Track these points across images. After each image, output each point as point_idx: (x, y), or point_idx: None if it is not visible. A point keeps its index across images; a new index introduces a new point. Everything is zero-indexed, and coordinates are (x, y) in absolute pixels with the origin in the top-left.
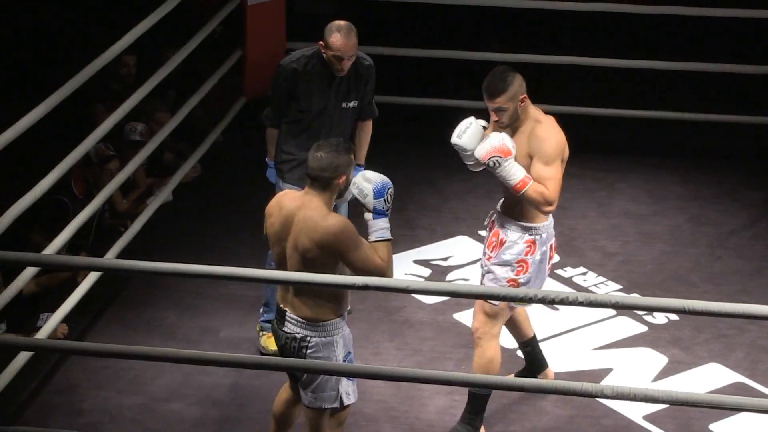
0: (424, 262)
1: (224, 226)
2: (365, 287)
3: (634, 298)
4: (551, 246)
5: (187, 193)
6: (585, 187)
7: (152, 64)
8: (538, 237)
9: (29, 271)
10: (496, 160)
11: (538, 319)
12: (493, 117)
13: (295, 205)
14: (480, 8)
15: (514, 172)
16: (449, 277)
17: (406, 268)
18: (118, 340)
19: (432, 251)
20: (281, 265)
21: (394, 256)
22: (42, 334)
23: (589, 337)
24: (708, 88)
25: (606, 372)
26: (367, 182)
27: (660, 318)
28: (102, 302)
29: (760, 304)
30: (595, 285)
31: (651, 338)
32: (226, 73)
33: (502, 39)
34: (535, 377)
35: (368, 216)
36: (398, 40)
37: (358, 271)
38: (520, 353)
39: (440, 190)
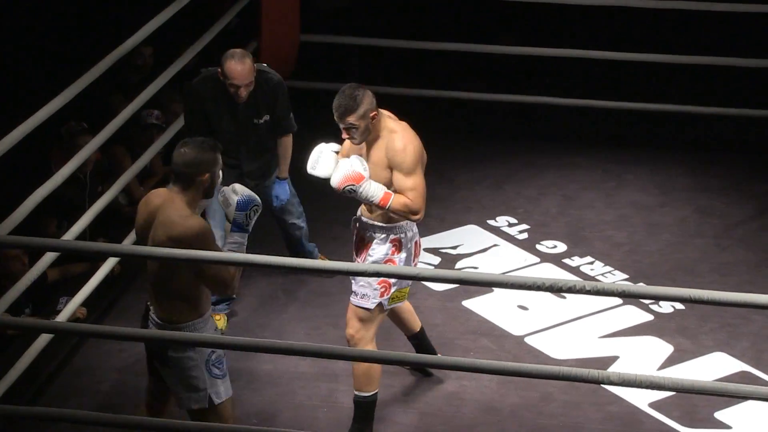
0: (434, 250)
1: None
2: (376, 274)
3: (641, 287)
4: (416, 243)
5: None
6: (593, 178)
7: (169, 56)
8: (402, 235)
9: (48, 256)
10: (350, 188)
11: (545, 307)
12: (344, 135)
13: (159, 202)
14: (490, 0)
15: (372, 193)
16: (458, 265)
17: None
18: (136, 324)
19: (442, 240)
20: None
21: None
22: (62, 317)
23: (595, 325)
24: (716, 81)
25: (612, 360)
26: (234, 194)
27: (666, 307)
28: (119, 287)
29: (765, 294)
30: (602, 274)
31: (657, 327)
32: None
33: (511, 31)
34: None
35: (227, 226)
36: (412, 33)
37: (205, 277)
38: (528, 340)
39: (450, 179)
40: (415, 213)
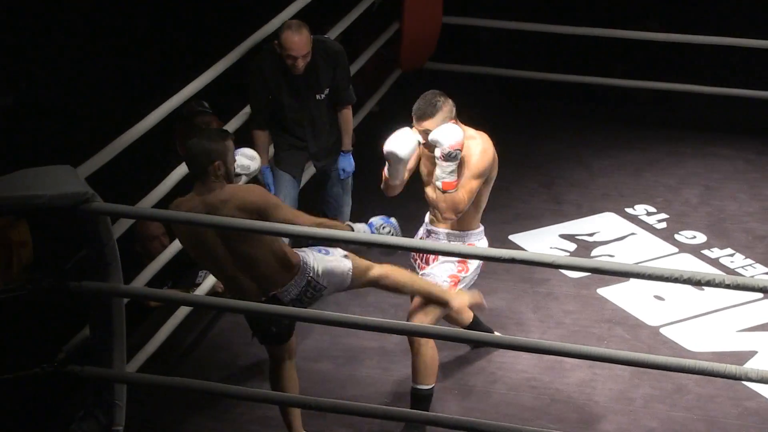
0: (569, 237)
1: (376, 193)
2: (512, 260)
3: None
4: None
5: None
6: (736, 169)
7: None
8: (476, 242)
9: None
10: (456, 153)
11: (682, 298)
12: (422, 139)
13: (201, 207)
14: None
15: (456, 170)
16: (594, 252)
17: (551, 242)
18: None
19: (578, 226)
20: (216, 269)
21: (541, 230)
22: (200, 290)
23: (734, 319)
24: None
25: (750, 354)
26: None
27: None
28: None
29: None
30: (742, 267)
31: None
32: (383, 45)
33: (657, 17)
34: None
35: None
36: (559, 17)
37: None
38: (664, 331)
39: (588, 166)
40: (458, 212)
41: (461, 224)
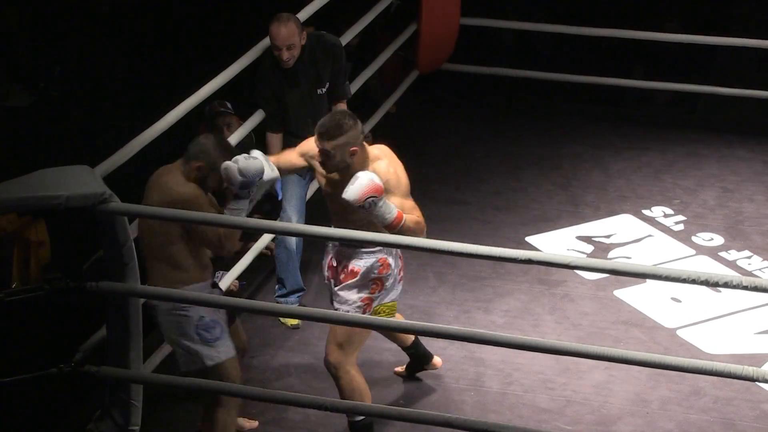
0: (586, 239)
1: None
2: (528, 261)
3: None
4: (400, 256)
5: None
6: (753, 171)
7: None
8: (388, 253)
9: None
10: (372, 201)
11: (699, 300)
12: (317, 158)
13: (161, 172)
14: None
15: (389, 209)
16: (611, 254)
17: (568, 244)
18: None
19: (595, 228)
20: None
21: (557, 232)
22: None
23: (751, 321)
24: None
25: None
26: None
27: None
28: (273, 262)
29: None
30: (759, 269)
31: None
32: (401, 46)
33: (678, 18)
34: (423, 369)
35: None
36: (578, 18)
37: (202, 239)
38: (681, 333)
39: (606, 167)
40: (424, 230)
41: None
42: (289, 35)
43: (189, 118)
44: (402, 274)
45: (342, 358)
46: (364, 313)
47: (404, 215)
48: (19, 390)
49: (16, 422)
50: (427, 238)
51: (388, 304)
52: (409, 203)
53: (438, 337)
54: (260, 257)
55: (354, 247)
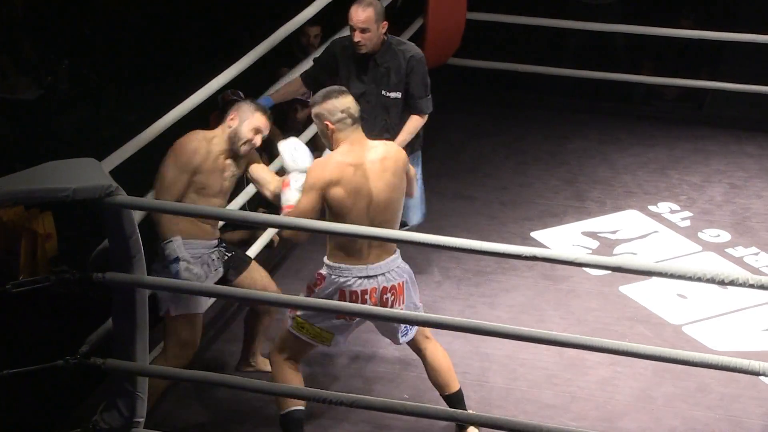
0: (592, 234)
1: None
2: (533, 258)
3: None
4: (353, 293)
5: None
6: (761, 167)
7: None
8: (331, 276)
9: None
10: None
11: (705, 297)
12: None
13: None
14: None
15: (284, 200)
16: (617, 250)
17: (574, 239)
18: (294, 292)
19: (601, 224)
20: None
21: (563, 227)
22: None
23: (758, 318)
24: None
25: None
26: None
27: None
28: (278, 256)
29: None
30: (766, 266)
31: None
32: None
33: (689, 14)
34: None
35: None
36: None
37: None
38: (686, 330)
39: (612, 163)
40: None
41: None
42: (365, 19)
43: (196, 112)
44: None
45: (276, 350)
46: (290, 312)
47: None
48: (25, 381)
49: (23, 413)
50: (434, 233)
51: (315, 327)
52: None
53: (443, 329)
54: (264, 249)
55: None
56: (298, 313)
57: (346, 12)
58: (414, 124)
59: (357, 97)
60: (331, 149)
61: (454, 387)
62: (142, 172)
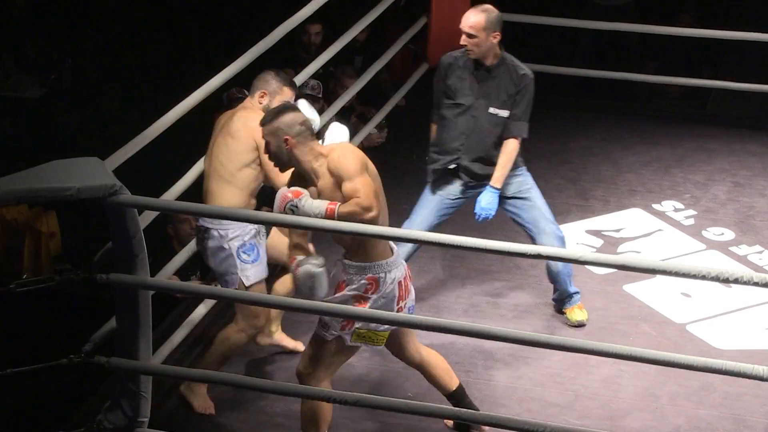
0: (596, 233)
1: (403, 189)
2: (538, 256)
3: None
4: (401, 284)
5: (369, 156)
6: (765, 165)
7: (340, 33)
8: (381, 275)
9: None
10: (292, 206)
11: (709, 295)
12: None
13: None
14: None
15: (316, 205)
16: (621, 248)
17: (577, 238)
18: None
19: (605, 222)
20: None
21: (567, 225)
22: None
23: (762, 316)
24: None
25: None
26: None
27: None
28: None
29: None
30: None
31: None
32: (411, 40)
33: (691, 12)
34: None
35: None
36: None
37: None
38: (690, 328)
39: (616, 161)
40: (369, 209)
41: (363, 257)
42: (474, 23)
43: (199, 110)
44: (404, 303)
45: (310, 369)
46: (343, 330)
47: (338, 204)
48: (29, 380)
49: (27, 412)
50: (438, 231)
51: (378, 332)
52: (352, 184)
53: (447, 333)
54: None
55: (350, 265)
56: (358, 325)
57: (347, 9)
58: (511, 149)
59: (462, 111)
60: (282, 171)
61: (455, 384)
62: (145, 171)
